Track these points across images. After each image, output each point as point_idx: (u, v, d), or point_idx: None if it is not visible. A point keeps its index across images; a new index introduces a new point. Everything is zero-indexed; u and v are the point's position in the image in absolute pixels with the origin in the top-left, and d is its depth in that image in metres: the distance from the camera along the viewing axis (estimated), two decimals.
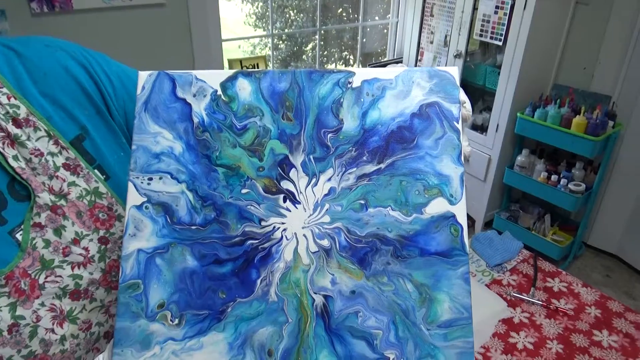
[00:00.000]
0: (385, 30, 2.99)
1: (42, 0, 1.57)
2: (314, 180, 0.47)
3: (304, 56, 2.94)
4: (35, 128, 0.48)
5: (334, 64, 2.99)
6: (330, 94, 0.49)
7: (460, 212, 0.46)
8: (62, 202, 0.49)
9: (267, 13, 2.48)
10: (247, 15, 2.88)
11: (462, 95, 0.50)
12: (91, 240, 0.50)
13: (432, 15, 2.65)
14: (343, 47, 2.96)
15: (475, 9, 2.39)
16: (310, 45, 2.91)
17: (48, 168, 0.48)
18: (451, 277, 0.45)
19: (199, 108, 0.49)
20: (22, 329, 0.46)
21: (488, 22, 2.34)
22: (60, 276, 0.48)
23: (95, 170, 0.52)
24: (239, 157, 0.48)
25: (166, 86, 0.50)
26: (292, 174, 0.48)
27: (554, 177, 2.29)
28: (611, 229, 2.47)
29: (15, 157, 0.47)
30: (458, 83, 0.50)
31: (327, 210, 0.47)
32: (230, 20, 2.84)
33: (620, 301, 1.09)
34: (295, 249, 0.46)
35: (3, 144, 0.46)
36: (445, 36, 2.58)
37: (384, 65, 2.73)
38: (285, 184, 0.47)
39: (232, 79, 0.50)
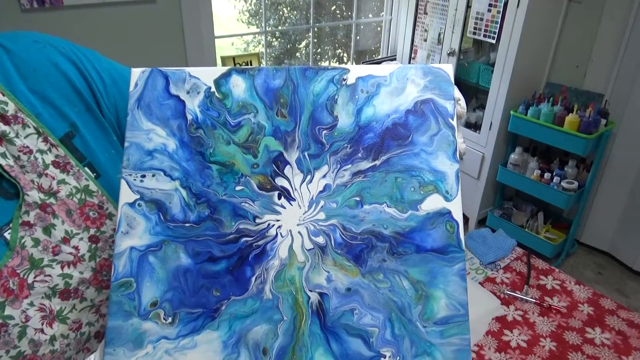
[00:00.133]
0: (378, 28, 2.99)
1: None
2: (308, 177, 0.47)
3: (297, 54, 2.93)
4: (24, 125, 0.47)
5: (328, 61, 2.98)
6: (324, 91, 0.49)
7: (456, 209, 0.46)
8: (52, 200, 0.48)
9: (261, 10, 2.47)
10: (241, 12, 2.86)
11: (457, 93, 0.50)
12: (81, 239, 0.50)
13: (425, 13, 2.65)
14: (337, 45, 2.95)
15: (468, 6, 2.39)
16: (303, 43, 2.90)
17: (37, 166, 0.48)
18: (447, 274, 0.45)
19: (193, 105, 0.48)
20: (11, 329, 0.45)
21: (481, 20, 2.34)
22: (49, 275, 0.48)
23: (86, 168, 0.51)
24: (233, 154, 0.47)
25: (159, 83, 0.49)
26: (287, 170, 0.47)
27: (547, 175, 2.30)
28: (603, 226, 2.49)
29: (3, 155, 0.46)
30: (452, 80, 0.50)
31: (322, 207, 0.47)
32: (223, 17, 2.83)
33: (612, 298, 1.10)
34: (290, 246, 0.46)
35: None
36: (439, 34, 2.58)
37: (379, 63, 2.73)
38: (280, 181, 0.47)
39: (226, 75, 0.49)
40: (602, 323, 1.03)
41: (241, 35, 2.93)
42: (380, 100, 0.49)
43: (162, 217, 0.46)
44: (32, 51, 0.51)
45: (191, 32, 1.97)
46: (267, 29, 2.51)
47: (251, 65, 2.29)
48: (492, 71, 2.37)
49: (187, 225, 0.46)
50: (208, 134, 0.48)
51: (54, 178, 0.49)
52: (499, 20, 2.25)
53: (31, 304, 0.47)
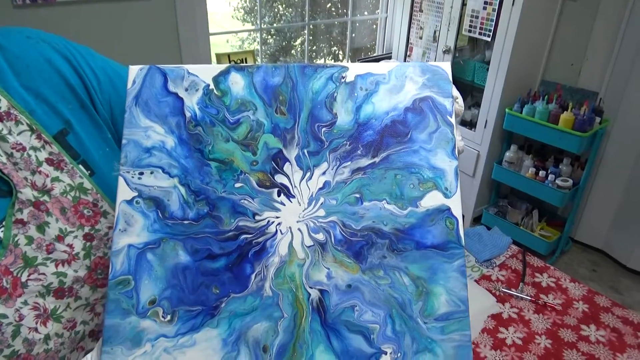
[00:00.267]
0: (374, 26, 2.99)
1: None
2: (308, 174, 0.47)
3: (292, 51, 2.92)
4: (17, 122, 0.47)
5: (323, 59, 2.97)
6: (323, 89, 0.49)
7: (455, 205, 0.47)
8: (46, 198, 0.48)
9: (256, 7, 2.45)
10: (235, 9, 2.84)
11: (455, 91, 0.51)
12: (76, 237, 0.49)
13: (421, 11, 2.64)
14: (332, 42, 2.94)
15: (464, 4, 2.39)
16: (299, 40, 2.89)
17: (30, 163, 0.47)
18: (447, 270, 0.45)
19: (191, 102, 0.48)
20: (5, 328, 0.44)
21: (477, 17, 2.34)
22: (43, 274, 0.47)
23: (80, 166, 0.51)
24: (232, 151, 0.47)
25: (157, 80, 0.49)
26: (286, 168, 0.47)
27: (541, 173, 2.31)
28: (598, 224, 2.51)
29: None
30: (451, 78, 0.50)
31: (322, 204, 0.46)
32: (218, 14, 2.81)
33: (607, 296, 1.11)
34: (290, 243, 0.46)
35: None
36: (435, 32, 2.58)
37: (375, 61, 2.73)
38: (280, 178, 0.47)
39: (225, 73, 0.49)
40: (597, 320, 1.04)
41: (236, 32, 2.90)
42: (379, 97, 0.49)
43: (160, 215, 0.46)
44: (25, 47, 0.50)
45: (186, 29, 1.96)
46: (262, 26, 2.50)
47: (246, 62, 2.28)
48: (488, 69, 2.38)
49: (185, 222, 0.46)
50: (207, 131, 0.48)
51: (47, 175, 0.48)
52: (495, 18, 2.26)
53: (25, 303, 0.46)
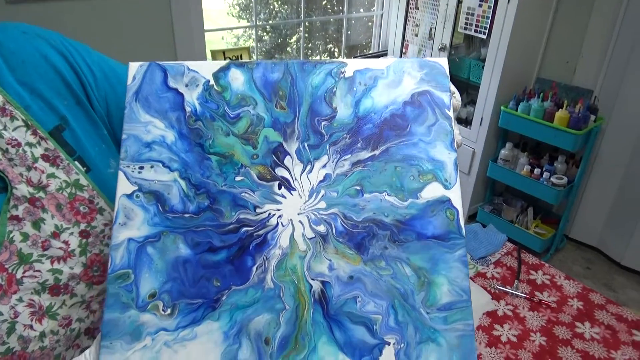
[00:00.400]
0: (370, 23, 2.98)
1: None
2: (308, 167, 0.47)
3: (288, 48, 2.90)
4: (12, 117, 0.46)
5: (319, 56, 2.96)
6: (323, 84, 0.49)
7: (456, 197, 0.47)
8: (41, 194, 0.47)
9: (251, 4, 2.43)
10: (231, 5, 2.82)
11: (452, 86, 0.51)
12: (72, 233, 0.49)
13: (416, 8, 2.65)
14: (328, 40, 2.92)
15: (459, 2, 2.40)
16: (294, 37, 2.87)
17: (26, 159, 0.47)
18: (449, 260, 0.45)
19: (192, 98, 0.48)
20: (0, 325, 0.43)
21: (472, 15, 2.35)
22: (39, 271, 0.46)
23: (76, 162, 0.50)
24: (232, 145, 0.47)
25: (157, 76, 0.49)
26: (287, 161, 0.47)
27: (536, 171, 2.32)
28: (592, 222, 2.51)
29: None
30: (448, 73, 0.51)
31: (322, 196, 0.47)
32: (213, 11, 2.79)
33: (601, 293, 1.12)
34: (292, 235, 0.45)
35: None
36: (430, 29, 2.58)
37: (377, 57, 2.75)
38: (280, 171, 0.47)
39: (225, 69, 0.49)
40: (591, 318, 1.04)
41: (231, 29, 2.88)
42: (378, 92, 0.49)
43: (160, 208, 0.46)
44: (20, 42, 0.50)
45: (180, 25, 1.94)
46: (257, 23, 2.49)
47: (241, 59, 2.28)
48: (483, 66, 2.38)
49: (186, 215, 0.46)
50: (207, 125, 0.48)
51: (43, 172, 0.48)
52: (490, 16, 2.27)
53: (20, 300, 0.45)
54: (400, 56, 2.86)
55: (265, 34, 2.86)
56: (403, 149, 0.48)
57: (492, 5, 2.24)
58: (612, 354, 0.95)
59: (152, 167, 0.47)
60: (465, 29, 2.42)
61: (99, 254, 0.51)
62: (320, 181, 0.47)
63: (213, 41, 2.38)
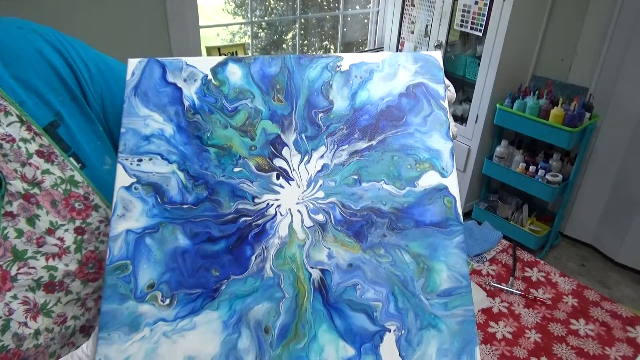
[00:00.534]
0: (365, 20, 2.98)
1: None
2: (306, 157, 0.48)
3: (284, 45, 2.89)
4: (6, 113, 0.46)
5: (315, 53, 2.95)
6: (319, 77, 0.50)
7: (453, 184, 0.47)
8: (36, 190, 0.47)
9: (247, 0, 2.42)
10: (226, 2, 2.80)
11: (446, 80, 0.52)
12: (67, 230, 0.48)
13: (412, 5, 2.65)
14: (323, 37, 2.91)
15: None
16: (290, 34, 2.86)
17: (20, 155, 0.46)
18: (447, 247, 0.45)
19: (190, 92, 0.49)
20: None
21: (468, 12, 2.36)
22: (33, 267, 0.46)
23: (71, 158, 0.50)
24: (230, 137, 0.48)
25: (156, 71, 0.50)
26: (285, 152, 0.48)
27: (532, 168, 2.32)
28: (587, 219, 2.51)
29: None
30: (442, 66, 0.52)
31: (320, 185, 0.47)
32: (208, 7, 2.77)
33: (595, 290, 1.12)
34: (290, 225, 0.46)
35: None
36: (426, 26, 2.58)
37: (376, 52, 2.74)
38: (278, 162, 0.47)
39: (223, 64, 0.50)
40: (586, 314, 1.04)
41: (227, 25, 2.86)
42: (373, 84, 0.50)
43: (159, 200, 0.46)
44: (15, 37, 0.50)
45: (176, 21, 1.93)
46: (253, 19, 2.48)
47: (237, 55, 2.29)
48: (479, 64, 2.39)
49: (184, 206, 0.46)
50: (205, 118, 0.48)
51: (38, 168, 0.47)
52: (486, 13, 2.28)
53: (14, 297, 0.45)
54: None
55: (260, 30, 2.84)
56: (399, 139, 0.48)
57: (488, 3, 2.26)
58: (606, 350, 0.95)
59: (150, 159, 0.47)
60: (461, 26, 2.42)
61: (94, 251, 0.51)
62: (318, 171, 0.47)
63: (208, 37, 2.37)
